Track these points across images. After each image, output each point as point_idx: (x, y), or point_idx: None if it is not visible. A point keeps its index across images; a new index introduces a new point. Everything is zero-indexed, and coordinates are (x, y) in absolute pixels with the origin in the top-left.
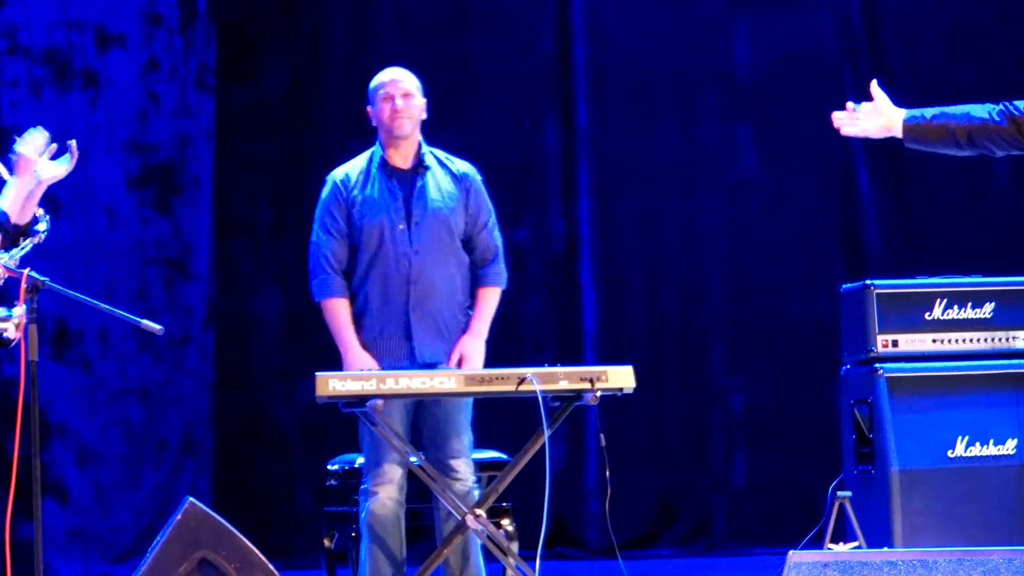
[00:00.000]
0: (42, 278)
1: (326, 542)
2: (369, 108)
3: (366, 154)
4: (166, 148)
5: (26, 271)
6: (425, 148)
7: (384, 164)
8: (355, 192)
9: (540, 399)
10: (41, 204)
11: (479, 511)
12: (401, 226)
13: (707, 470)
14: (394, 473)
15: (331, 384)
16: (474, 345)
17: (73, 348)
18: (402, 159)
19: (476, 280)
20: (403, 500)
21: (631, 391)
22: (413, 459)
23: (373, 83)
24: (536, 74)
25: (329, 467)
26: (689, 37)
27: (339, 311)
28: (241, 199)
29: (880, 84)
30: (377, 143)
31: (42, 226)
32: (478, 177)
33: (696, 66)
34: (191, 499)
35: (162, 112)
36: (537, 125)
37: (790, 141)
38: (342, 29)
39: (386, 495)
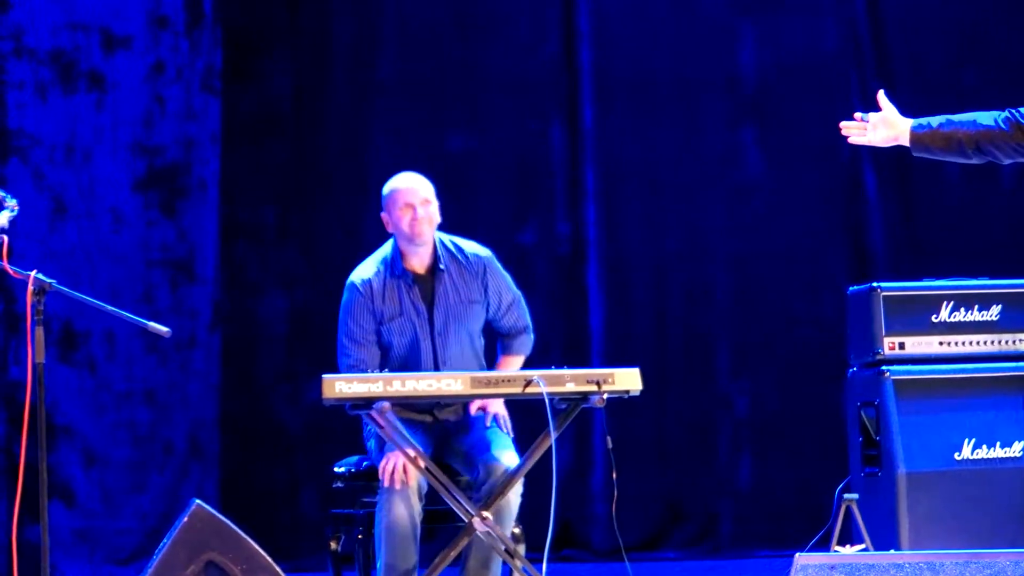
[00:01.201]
0: (49, 280)
1: (332, 544)
2: (384, 215)
3: (380, 255)
4: (172, 151)
5: (33, 273)
6: (440, 246)
7: (403, 272)
8: (380, 304)
9: (546, 401)
10: (47, 205)
11: (485, 513)
12: (427, 341)
13: (713, 472)
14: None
15: (337, 386)
16: (493, 405)
17: (79, 350)
18: (420, 263)
19: (503, 348)
20: (419, 502)
21: (637, 393)
22: (421, 461)
23: (387, 189)
24: (541, 77)
25: (335, 469)
26: (694, 40)
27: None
28: (247, 202)
29: (885, 88)
30: (392, 246)
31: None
32: (492, 259)
33: (701, 69)
34: (198, 501)
35: (168, 115)
36: (542, 127)
37: (795, 144)
38: (347, 32)
39: (404, 497)
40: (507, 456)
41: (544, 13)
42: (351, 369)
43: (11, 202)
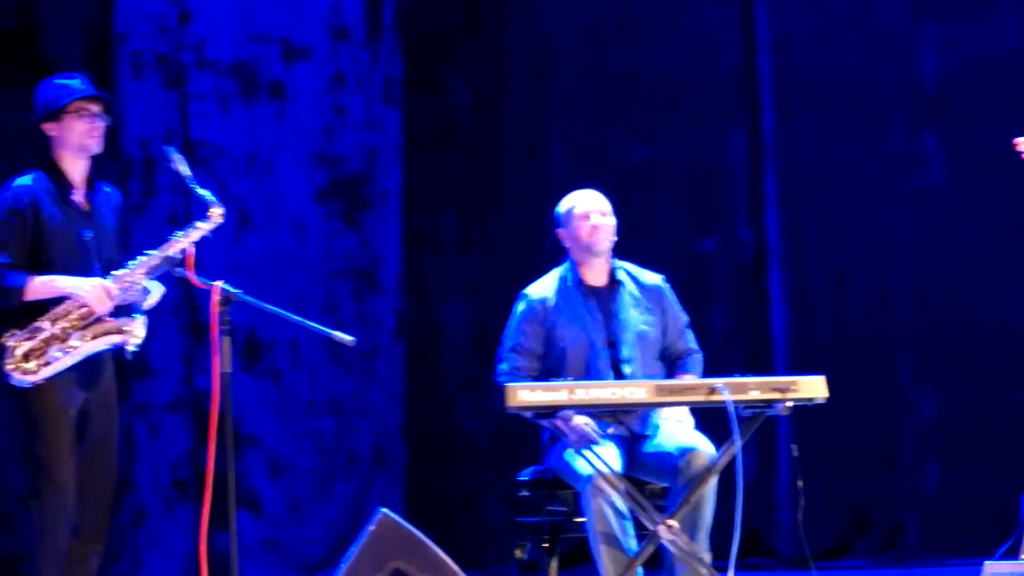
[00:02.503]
0: (234, 290)
1: (517, 553)
2: (561, 230)
3: (556, 273)
4: (354, 161)
5: (218, 284)
6: (617, 264)
7: (580, 283)
8: (554, 313)
9: (731, 409)
10: (230, 215)
11: (671, 522)
12: (605, 348)
13: (898, 480)
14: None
15: (521, 394)
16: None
17: (264, 360)
18: (597, 277)
19: (678, 368)
20: (622, 505)
21: (823, 401)
22: (606, 469)
23: (563, 206)
24: (721, 85)
25: (520, 478)
26: (874, 45)
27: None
28: (428, 211)
29: None
30: (568, 263)
31: (216, 210)
32: (666, 285)
33: (882, 74)
34: (384, 510)
35: (349, 125)
36: (723, 135)
37: (978, 147)
38: (524, 41)
39: (605, 500)
40: (703, 443)
41: (724, 21)
42: (508, 375)
43: (217, 211)
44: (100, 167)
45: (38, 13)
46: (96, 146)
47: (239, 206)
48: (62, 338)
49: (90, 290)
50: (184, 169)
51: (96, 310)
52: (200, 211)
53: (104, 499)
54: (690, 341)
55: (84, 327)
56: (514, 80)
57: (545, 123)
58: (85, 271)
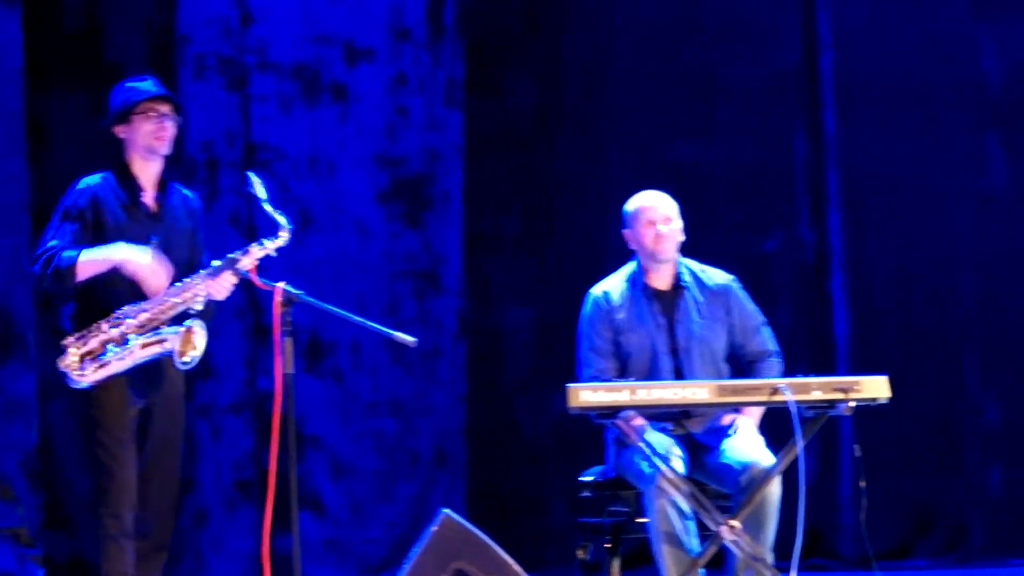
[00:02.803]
0: (296, 292)
1: (580, 553)
2: (627, 231)
3: (624, 272)
4: (415, 162)
5: (281, 285)
6: (682, 266)
7: (644, 287)
8: (619, 315)
9: (793, 409)
10: (292, 217)
11: (734, 523)
12: (667, 354)
13: (962, 481)
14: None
15: (583, 395)
16: (746, 421)
17: (326, 361)
18: (662, 281)
19: (750, 371)
20: (684, 499)
21: (885, 401)
22: (669, 470)
23: (630, 207)
24: (782, 84)
25: (582, 478)
26: (936, 45)
27: (633, 417)
28: (489, 213)
29: None
30: (635, 263)
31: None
32: (735, 285)
33: (943, 74)
34: (446, 510)
35: (411, 126)
36: (784, 135)
37: None
38: (585, 42)
39: (668, 500)
40: (764, 455)
41: (784, 21)
42: (593, 379)
43: (285, 230)
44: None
45: (102, 16)
46: (164, 147)
47: (301, 208)
48: (119, 342)
49: (146, 263)
50: (261, 192)
51: (150, 284)
52: (264, 215)
53: (168, 499)
54: (766, 342)
55: (140, 332)
56: (575, 80)
57: (606, 123)
58: (121, 279)
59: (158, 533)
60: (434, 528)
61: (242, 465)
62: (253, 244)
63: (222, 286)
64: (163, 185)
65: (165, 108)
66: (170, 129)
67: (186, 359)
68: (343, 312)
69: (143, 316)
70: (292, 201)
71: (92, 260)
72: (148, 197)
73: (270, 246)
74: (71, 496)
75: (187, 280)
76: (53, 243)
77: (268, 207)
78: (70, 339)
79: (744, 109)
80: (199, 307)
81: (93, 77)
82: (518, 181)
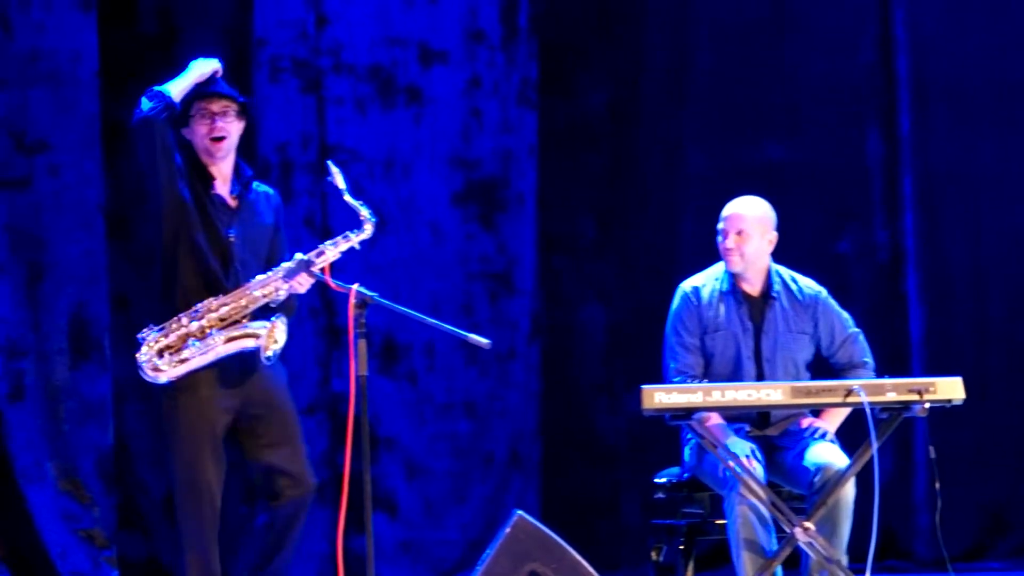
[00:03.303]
0: (370, 293)
1: (653, 555)
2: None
3: (715, 271)
4: (489, 164)
5: (355, 287)
6: (775, 274)
7: (734, 289)
8: (707, 313)
9: (868, 411)
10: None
11: (808, 524)
12: (751, 360)
13: None
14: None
15: (657, 396)
16: (825, 425)
17: (401, 362)
18: (751, 287)
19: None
20: (764, 506)
21: (960, 402)
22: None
23: (723, 211)
24: (857, 84)
25: (656, 480)
26: (1012, 45)
27: (708, 418)
28: (563, 214)
29: None
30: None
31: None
32: (823, 294)
33: (1019, 74)
34: (520, 512)
35: (485, 128)
36: (859, 135)
37: None
38: (660, 42)
39: (750, 507)
40: (838, 457)
41: (860, 21)
42: (678, 373)
43: (369, 221)
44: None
45: (179, 19)
46: (218, 150)
47: (375, 210)
48: (199, 336)
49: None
50: (341, 183)
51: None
52: (338, 217)
53: (296, 498)
54: (859, 353)
55: (223, 327)
56: (649, 81)
57: (681, 123)
58: (224, 269)
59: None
60: (508, 529)
61: (316, 467)
62: (326, 243)
63: (300, 283)
64: (241, 180)
65: (217, 106)
66: (221, 128)
67: (268, 354)
68: (417, 314)
69: (224, 309)
70: (367, 203)
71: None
72: (223, 190)
73: (354, 239)
74: (146, 498)
75: (268, 274)
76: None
77: (349, 198)
78: (147, 332)
79: (819, 110)
80: (281, 297)
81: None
82: (592, 182)
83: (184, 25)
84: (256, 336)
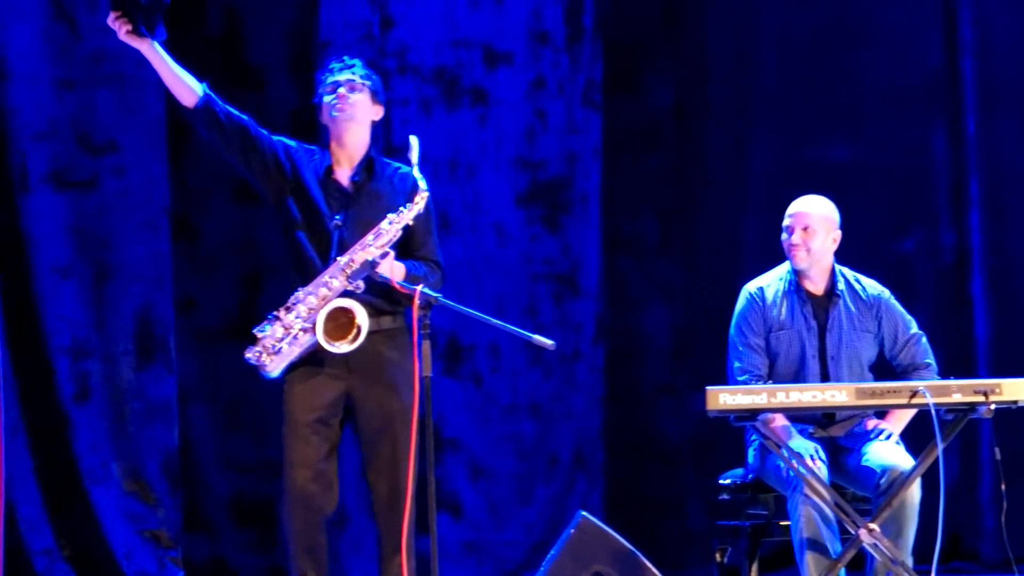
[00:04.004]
0: (434, 294)
1: (718, 557)
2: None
3: (779, 271)
4: (554, 165)
5: (419, 288)
6: (838, 273)
7: (799, 288)
8: (770, 311)
9: (933, 412)
10: (433, 220)
11: (873, 526)
12: (816, 359)
13: None
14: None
15: (722, 398)
16: (890, 426)
17: (465, 363)
18: (814, 286)
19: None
20: (828, 506)
21: None
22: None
23: (788, 209)
24: (923, 85)
25: (721, 481)
26: None
27: (772, 419)
28: (628, 215)
29: None
30: (790, 265)
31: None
32: (887, 295)
33: None
34: (584, 513)
35: (550, 129)
36: (924, 136)
37: None
38: (725, 42)
39: (814, 508)
40: (904, 458)
41: (926, 23)
42: (743, 372)
43: (422, 194)
44: None
45: (244, 20)
46: (342, 115)
47: (440, 210)
48: (288, 329)
49: None
50: (414, 156)
51: None
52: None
53: (389, 501)
54: (921, 355)
55: (308, 317)
56: (714, 81)
57: (745, 124)
58: (322, 255)
59: (386, 536)
60: (572, 531)
61: None
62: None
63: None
64: (368, 163)
65: (343, 76)
66: (345, 98)
67: (336, 345)
68: (482, 315)
69: (311, 300)
70: (432, 204)
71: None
72: (343, 174)
73: (407, 214)
74: (211, 498)
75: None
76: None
77: (416, 171)
78: (259, 328)
79: (885, 111)
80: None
81: (235, 81)
82: (657, 182)
83: (250, 25)
84: (317, 327)
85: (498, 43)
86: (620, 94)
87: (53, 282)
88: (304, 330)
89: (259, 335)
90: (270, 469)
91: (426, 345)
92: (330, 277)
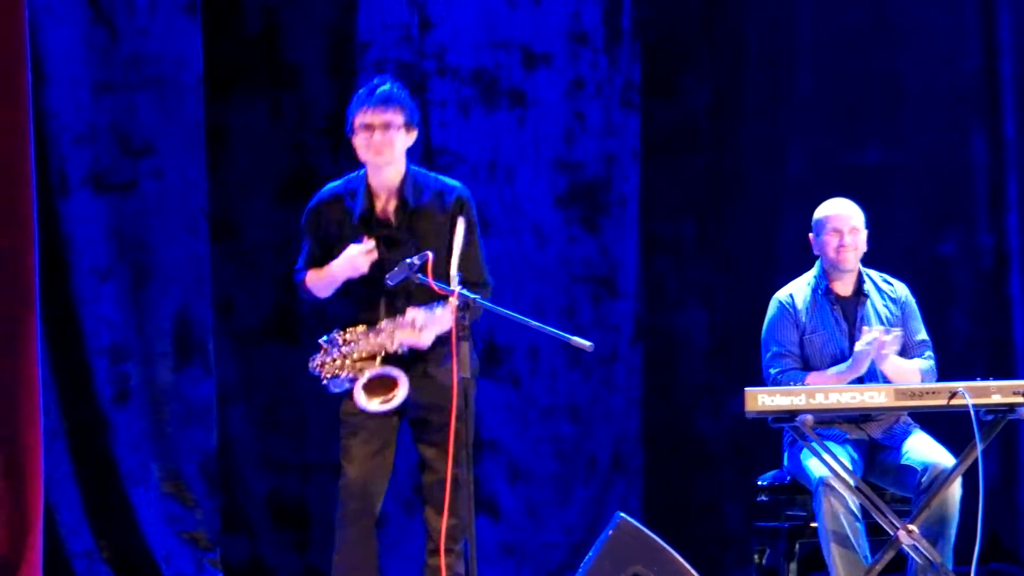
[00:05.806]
0: (472, 295)
1: (756, 558)
2: (812, 236)
3: (807, 277)
4: (592, 166)
5: (457, 289)
6: (864, 274)
7: (828, 291)
8: (802, 316)
9: (972, 413)
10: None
11: (912, 527)
12: (846, 357)
13: None
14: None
15: (760, 399)
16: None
17: (503, 365)
18: (843, 287)
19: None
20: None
21: None
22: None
23: (819, 213)
24: (962, 87)
25: (759, 483)
26: None
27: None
28: (665, 216)
29: None
30: (818, 268)
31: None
32: (910, 296)
33: None
34: (623, 515)
35: (588, 130)
36: (962, 139)
37: None
38: (762, 44)
39: (838, 500)
40: (944, 456)
41: (964, 25)
42: (777, 381)
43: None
44: None
45: (283, 19)
46: (380, 160)
47: (479, 212)
48: (340, 368)
49: (347, 263)
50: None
51: (360, 269)
52: None
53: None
54: (926, 349)
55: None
56: (752, 83)
57: (783, 125)
58: (368, 288)
59: (448, 539)
60: (610, 532)
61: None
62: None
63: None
64: (403, 190)
65: (378, 119)
66: (380, 141)
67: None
68: (520, 316)
69: (364, 345)
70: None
71: (317, 284)
72: (382, 204)
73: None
74: (249, 500)
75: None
76: (298, 264)
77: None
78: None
79: (923, 113)
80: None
81: (272, 82)
82: (695, 184)
83: (288, 26)
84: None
85: (536, 44)
86: (658, 95)
87: (92, 284)
88: (356, 370)
89: (320, 360)
90: (308, 469)
91: (464, 346)
92: (386, 332)
